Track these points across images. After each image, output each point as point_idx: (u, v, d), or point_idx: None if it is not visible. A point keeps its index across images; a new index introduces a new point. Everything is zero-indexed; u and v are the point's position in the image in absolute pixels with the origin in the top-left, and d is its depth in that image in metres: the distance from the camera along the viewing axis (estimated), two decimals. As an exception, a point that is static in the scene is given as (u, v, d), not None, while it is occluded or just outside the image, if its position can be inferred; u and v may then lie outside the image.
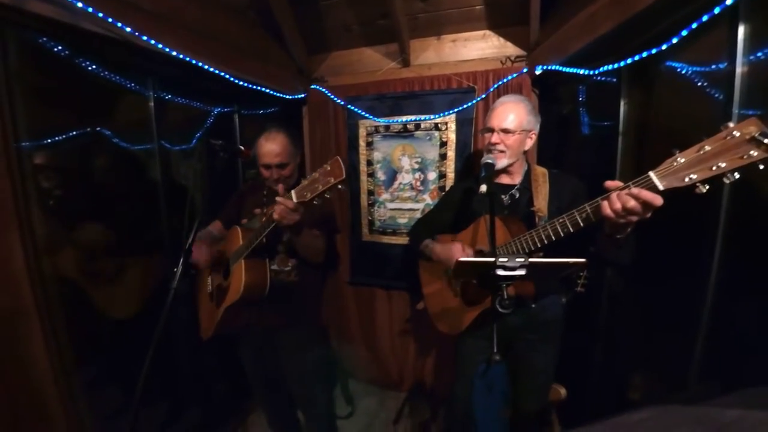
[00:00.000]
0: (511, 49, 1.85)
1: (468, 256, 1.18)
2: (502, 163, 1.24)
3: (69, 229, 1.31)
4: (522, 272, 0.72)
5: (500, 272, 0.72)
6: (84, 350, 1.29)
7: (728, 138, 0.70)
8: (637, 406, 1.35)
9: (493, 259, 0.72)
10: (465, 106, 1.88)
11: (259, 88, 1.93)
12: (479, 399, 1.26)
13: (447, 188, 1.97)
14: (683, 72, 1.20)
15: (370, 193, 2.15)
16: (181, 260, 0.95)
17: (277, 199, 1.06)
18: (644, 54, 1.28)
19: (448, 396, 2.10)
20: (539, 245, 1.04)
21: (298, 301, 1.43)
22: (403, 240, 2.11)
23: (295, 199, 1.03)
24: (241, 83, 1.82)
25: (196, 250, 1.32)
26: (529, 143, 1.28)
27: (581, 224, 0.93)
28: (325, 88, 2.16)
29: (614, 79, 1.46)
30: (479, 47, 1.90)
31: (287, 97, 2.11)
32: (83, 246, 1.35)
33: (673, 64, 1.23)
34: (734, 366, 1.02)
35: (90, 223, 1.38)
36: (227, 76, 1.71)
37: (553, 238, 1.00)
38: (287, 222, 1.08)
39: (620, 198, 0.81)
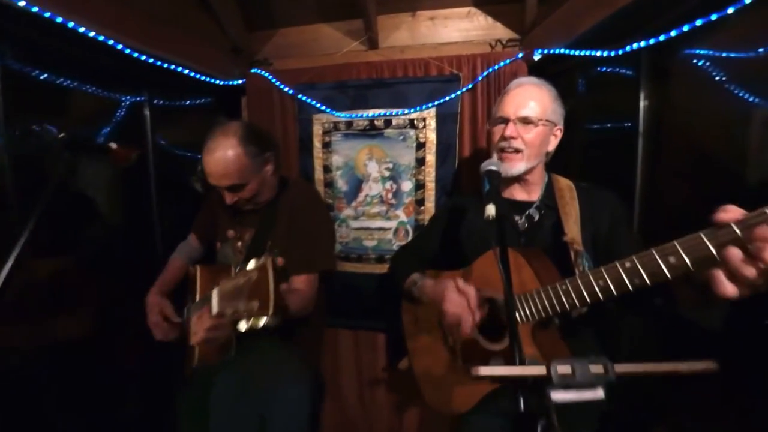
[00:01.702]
0: (501, 31, 1.63)
1: (469, 299, 0.82)
2: (518, 167, 0.96)
3: None
4: (599, 394, 0.41)
5: (558, 396, 0.41)
6: None
7: None
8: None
9: (543, 372, 0.41)
10: (448, 98, 1.61)
11: (178, 69, 1.54)
12: None
13: (426, 201, 1.70)
14: (726, 58, 1.00)
15: (329, 208, 1.82)
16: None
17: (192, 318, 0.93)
18: (675, 33, 1.08)
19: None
20: (588, 300, 0.70)
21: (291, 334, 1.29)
22: (371, 268, 1.79)
23: (215, 310, 0.82)
24: (150, 61, 1.42)
25: (155, 328, 1.15)
26: (554, 143, 1.02)
27: (668, 275, 0.58)
28: (269, 72, 1.81)
29: (632, 67, 1.26)
30: (462, 27, 1.67)
31: (218, 83, 1.74)
32: None
33: (709, 51, 1.03)
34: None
35: None
36: (126, 50, 1.31)
37: (614, 292, 0.65)
38: (216, 341, 0.91)
39: None
